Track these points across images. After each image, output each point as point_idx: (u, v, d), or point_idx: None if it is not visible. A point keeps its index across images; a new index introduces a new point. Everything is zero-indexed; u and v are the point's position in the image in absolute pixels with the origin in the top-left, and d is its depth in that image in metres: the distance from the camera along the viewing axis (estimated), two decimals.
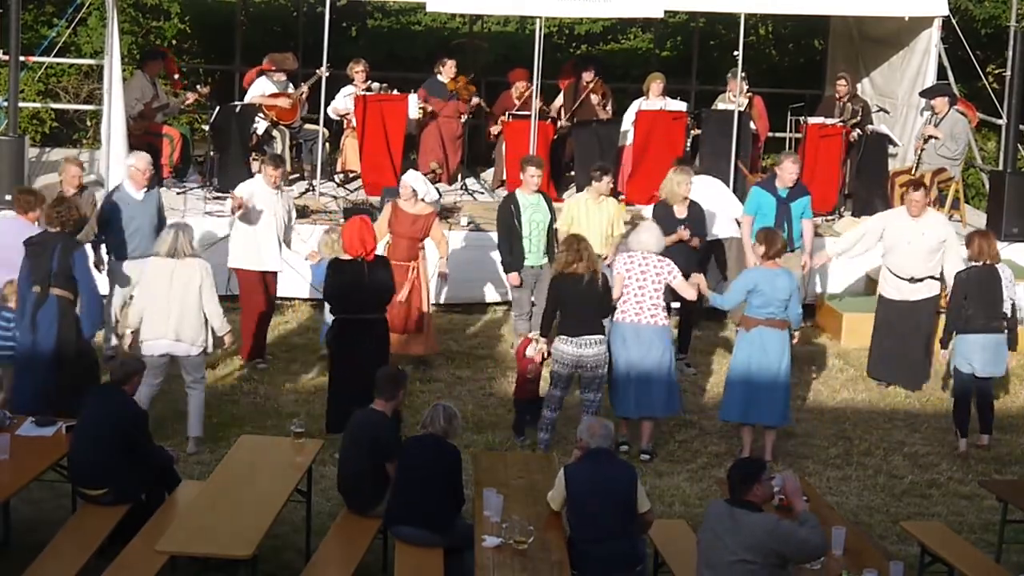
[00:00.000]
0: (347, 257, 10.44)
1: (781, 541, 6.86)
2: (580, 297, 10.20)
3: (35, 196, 10.99)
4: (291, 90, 15.41)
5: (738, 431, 10.85)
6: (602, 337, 10.31)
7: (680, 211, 12.07)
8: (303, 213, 13.52)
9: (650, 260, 10.56)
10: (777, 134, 16.78)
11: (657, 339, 10.47)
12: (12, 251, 10.29)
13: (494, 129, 15.73)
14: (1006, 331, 10.94)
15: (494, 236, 12.52)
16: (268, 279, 11.90)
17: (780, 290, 10.41)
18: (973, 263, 11.04)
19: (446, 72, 15.57)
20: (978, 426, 11.10)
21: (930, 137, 14.56)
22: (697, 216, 12.15)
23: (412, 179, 11.94)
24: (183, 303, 10.17)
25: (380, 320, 10.50)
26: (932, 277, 12.02)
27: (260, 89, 15.26)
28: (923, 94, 14.98)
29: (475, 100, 15.80)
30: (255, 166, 15.21)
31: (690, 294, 10.84)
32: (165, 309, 10.16)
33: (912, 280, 11.95)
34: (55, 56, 16.05)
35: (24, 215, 10.82)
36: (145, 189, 11.61)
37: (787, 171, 12.42)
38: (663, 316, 10.55)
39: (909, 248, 11.96)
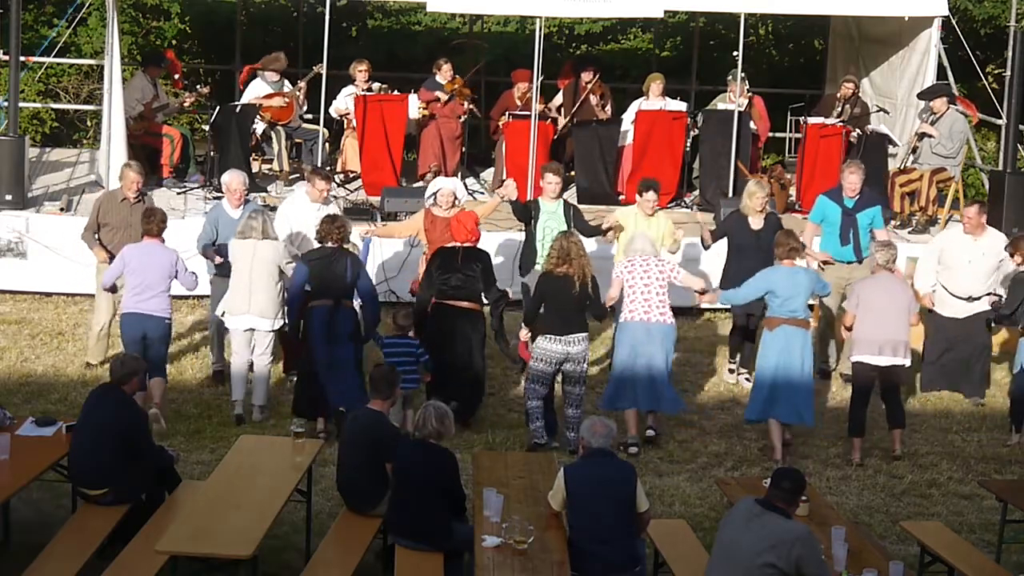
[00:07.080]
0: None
1: (808, 549, 6.80)
2: (567, 298, 10.39)
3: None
4: (286, 89, 15.40)
5: (738, 432, 10.94)
6: (587, 334, 10.57)
7: (755, 222, 11.77)
8: None
9: (650, 261, 10.76)
10: (777, 134, 16.81)
11: (666, 337, 10.64)
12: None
13: (501, 121, 15.56)
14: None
15: (493, 236, 12.51)
16: None
17: (801, 287, 10.50)
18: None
19: (442, 75, 15.56)
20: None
21: (924, 135, 14.54)
22: (773, 228, 11.59)
23: (452, 184, 11.87)
24: (264, 281, 10.74)
25: (478, 312, 10.83)
26: (990, 294, 11.66)
27: (255, 91, 15.26)
28: (921, 96, 14.91)
29: (467, 105, 15.71)
30: (255, 166, 15.29)
31: (698, 284, 11.10)
32: (247, 286, 10.70)
33: (970, 299, 11.66)
34: (55, 56, 16.06)
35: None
36: (242, 206, 11.50)
37: (848, 181, 11.98)
38: (670, 315, 10.69)
39: (970, 268, 11.68)
